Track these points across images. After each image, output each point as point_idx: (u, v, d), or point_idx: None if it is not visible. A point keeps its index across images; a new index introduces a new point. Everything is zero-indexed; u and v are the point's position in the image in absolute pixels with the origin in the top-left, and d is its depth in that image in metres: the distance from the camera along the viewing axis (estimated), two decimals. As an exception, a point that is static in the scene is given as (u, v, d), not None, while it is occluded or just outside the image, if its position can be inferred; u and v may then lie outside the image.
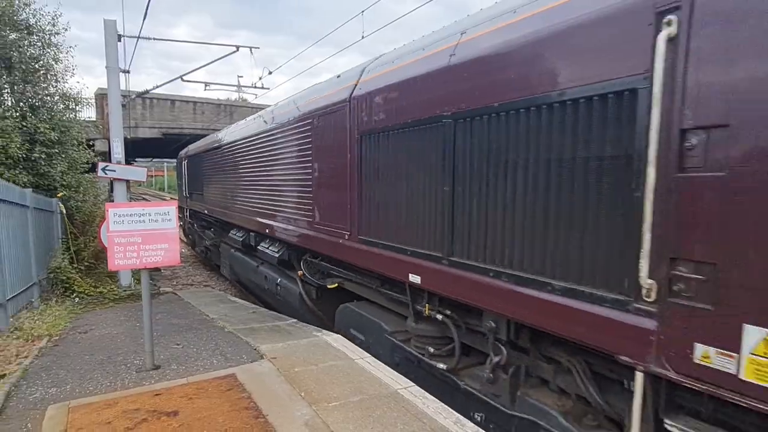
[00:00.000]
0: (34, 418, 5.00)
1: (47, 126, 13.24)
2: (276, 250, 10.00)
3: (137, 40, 12.91)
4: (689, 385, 3.03)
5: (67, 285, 11.88)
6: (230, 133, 13.48)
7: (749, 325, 2.77)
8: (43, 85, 13.89)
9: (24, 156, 12.58)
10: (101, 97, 24.32)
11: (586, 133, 3.59)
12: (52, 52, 14.15)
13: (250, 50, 14.77)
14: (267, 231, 10.05)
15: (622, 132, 3.35)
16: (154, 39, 14.00)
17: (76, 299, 11.37)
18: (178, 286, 14.54)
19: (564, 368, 4.33)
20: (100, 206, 15.19)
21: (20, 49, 13.23)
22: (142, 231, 6.17)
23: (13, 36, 13.19)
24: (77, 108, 15.27)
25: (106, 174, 12.47)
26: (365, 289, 7.23)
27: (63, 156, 13.95)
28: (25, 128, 12.80)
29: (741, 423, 3.03)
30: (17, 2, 13.35)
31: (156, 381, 5.88)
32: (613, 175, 3.43)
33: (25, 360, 6.76)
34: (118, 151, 12.66)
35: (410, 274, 5.50)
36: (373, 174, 6.22)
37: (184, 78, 15.42)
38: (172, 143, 29.27)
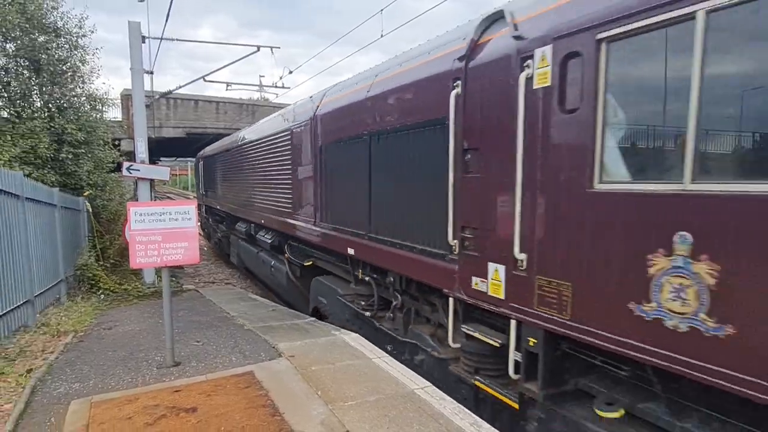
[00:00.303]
0: (57, 412, 5.11)
1: (74, 126, 13.54)
2: (269, 238, 11.89)
3: (160, 42, 13.12)
4: (470, 302, 5.04)
5: (93, 282, 12.15)
6: (235, 138, 15.47)
7: (490, 263, 4.73)
8: (70, 87, 14.20)
9: (52, 156, 12.90)
10: (126, 98, 24.80)
11: (427, 148, 5.54)
12: (79, 54, 14.48)
13: (271, 50, 14.89)
14: (262, 222, 12.22)
15: (440, 149, 5.24)
16: (177, 40, 14.21)
17: (102, 296, 11.61)
18: (200, 284, 14.74)
19: (436, 308, 6.13)
20: (125, 205, 15.49)
21: (48, 52, 13.56)
22: (162, 230, 6.26)
23: (41, 39, 13.52)
24: (103, 108, 15.59)
25: (130, 173, 12.70)
26: (328, 264, 9.14)
27: (89, 156, 14.26)
28: (53, 129, 13.12)
29: (496, 322, 5.00)
30: (45, 6, 13.67)
31: (176, 377, 5.96)
32: (438, 176, 5.31)
33: (51, 355, 6.92)
34: (141, 150, 12.88)
35: (348, 248, 7.49)
36: (328, 176, 8.19)
37: (206, 78, 15.63)
38: (195, 142, 29.68)
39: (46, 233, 9.93)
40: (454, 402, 5.10)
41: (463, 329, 5.23)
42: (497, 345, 4.77)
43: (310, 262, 9.66)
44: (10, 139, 11.95)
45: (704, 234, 2.95)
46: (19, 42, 13.15)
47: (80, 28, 14.46)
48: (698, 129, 2.98)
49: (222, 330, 8.07)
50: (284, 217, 10.26)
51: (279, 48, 14.95)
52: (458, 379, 5.43)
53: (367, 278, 7.46)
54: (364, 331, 7.42)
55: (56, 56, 13.81)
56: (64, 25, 14.16)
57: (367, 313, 7.37)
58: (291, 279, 10.49)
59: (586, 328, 3.69)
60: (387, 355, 6.45)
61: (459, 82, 4.96)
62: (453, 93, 4.97)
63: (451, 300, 5.33)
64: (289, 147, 9.76)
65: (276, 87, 17.78)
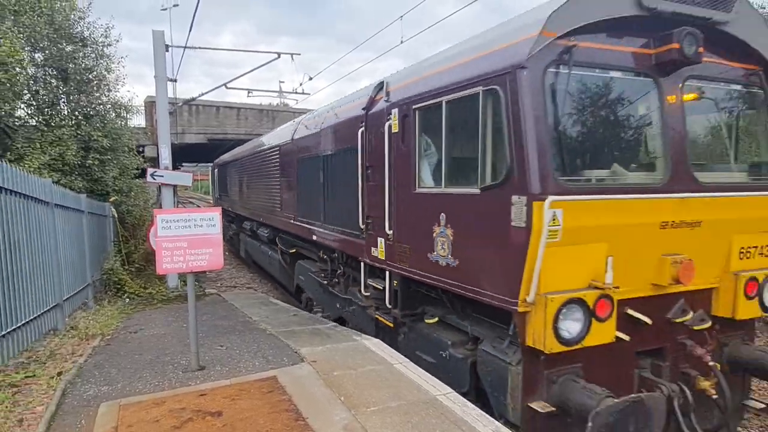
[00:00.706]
0: (87, 414, 5.24)
1: (100, 134, 13.84)
2: (266, 233, 14.42)
3: (184, 50, 13.36)
4: (370, 264, 7.47)
5: (119, 286, 12.40)
6: (242, 150, 18.02)
7: (378, 237, 7.08)
8: (96, 95, 14.52)
9: (79, 162, 13.20)
10: (150, 105, 25.24)
11: (350, 166, 7.90)
12: (105, 63, 14.80)
13: (291, 57, 15.06)
14: (261, 219, 14.66)
15: (355, 166, 7.59)
16: (200, 48, 14.45)
17: (127, 300, 11.84)
18: (222, 288, 14.92)
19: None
20: (149, 210, 15.75)
21: (75, 61, 13.90)
22: (188, 236, 6.38)
23: (69, 48, 13.86)
24: (128, 116, 15.89)
25: (154, 179, 12.94)
26: (304, 250, 11.56)
27: (115, 162, 14.55)
28: (79, 136, 13.43)
29: (384, 275, 7.20)
30: (73, 16, 14.02)
31: (201, 381, 6.06)
32: (355, 183, 7.63)
33: (80, 358, 7.08)
34: (165, 156, 13.11)
35: (312, 235, 9.90)
36: (301, 183, 10.66)
37: (228, 86, 15.85)
38: (216, 148, 29.98)
39: (74, 238, 10.17)
40: (477, 408, 5.11)
41: (368, 282, 7.77)
42: (381, 288, 7.30)
43: (294, 250, 12.28)
44: (39, 146, 12.27)
45: (449, 214, 5.48)
46: (47, 52, 13.51)
47: (106, 37, 14.80)
48: (447, 160, 5.54)
49: (245, 334, 8.17)
50: (275, 215, 12.89)
51: (299, 54, 15.12)
52: (370, 318, 7.89)
53: (325, 257, 9.94)
54: (324, 296, 10.08)
55: (83, 65, 14.14)
56: (90, 34, 14.50)
57: (325, 282, 9.87)
58: (282, 264, 13.10)
59: (415, 270, 6.22)
60: (408, 360, 6.48)
61: (363, 124, 7.43)
62: (360, 131, 7.51)
63: (362, 264, 7.85)
64: (278, 160, 12.39)
65: (296, 93, 17.95)
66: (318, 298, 10.52)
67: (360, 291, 8.10)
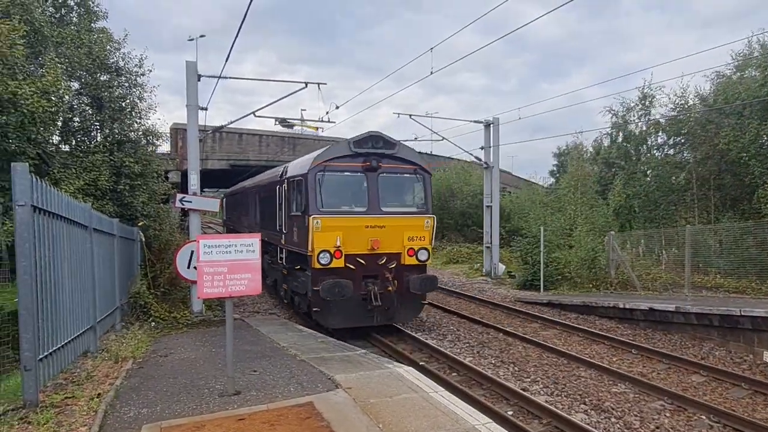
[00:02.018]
0: (130, 436, 5.30)
1: (132, 159, 14.20)
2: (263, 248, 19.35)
3: (218, 80, 13.76)
4: (282, 246, 14.13)
5: (145, 309, 12.54)
6: (239, 186, 24.86)
7: (282, 234, 14.29)
8: (128, 122, 14.95)
9: (110, 187, 13.52)
10: (175, 132, 25.83)
11: (274, 200, 14.54)
12: (138, 92, 15.28)
13: (318, 86, 15.40)
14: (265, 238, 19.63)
15: (277, 200, 14.37)
16: (232, 78, 14.87)
17: (153, 323, 11.97)
18: (246, 313, 15.01)
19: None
20: (174, 234, 16.01)
21: (110, 90, 14.37)
22: (228, 261, 6.52)
23: (104, 78, 14.35)
24: (158, 143, 16.31)
25: (183, 205, 13.19)
26: (271, 251, 16.34)
27: (144, 188, 14.87)
28: (112, 162, 13.80)
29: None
30: (109, 47, 14.56)
31: (238, 406, 6.11)
32: (276, 209, 14.58)
33: (116, 381, 7.18)
34: (194, 182, 13.40)
35: (280, 241, 14.03)
36: (255, 207, 18.58)
37: (257, 114, 16.20)
38: (238, 174, 30.39)
39: (107, 261, 10.37)
40: (517, 439, 5.14)
41: (280, 255, 13.80)
42: (283, 256, 13.65)
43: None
44: (74, 171, 12.61)
45: (295, 222, 12.95)
46: (83, 80, 14.00)
47: (139, 67, 15.32)
48: (294, 201, 12.77)
49: (275, 360, 8.22)
50: (252, 230, 18.18)
51: (326, 84, 15.41)
52: (281, 271, 14.34)
53: (271, 248, 15.52)
54: (275, 271, 15.83)
55: (116, 94, 14.61)
56: (125, 65, 15.02)
57: (271, 261, 15.87)
58: (267, 268, 17.34)
59: (290, 246, 12.97)
60: (443, 389, 6.48)
61: (279, 184, 13.53)
62: (278, 188, 13.68)
63: (278, 247, 13.30)
64: (257, 193, 18.33)
65: (322, 122, 18.29)
66: (273, 275, 16.81)
67: (280, 260, 14.49)
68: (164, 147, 24.95)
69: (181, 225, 19.83)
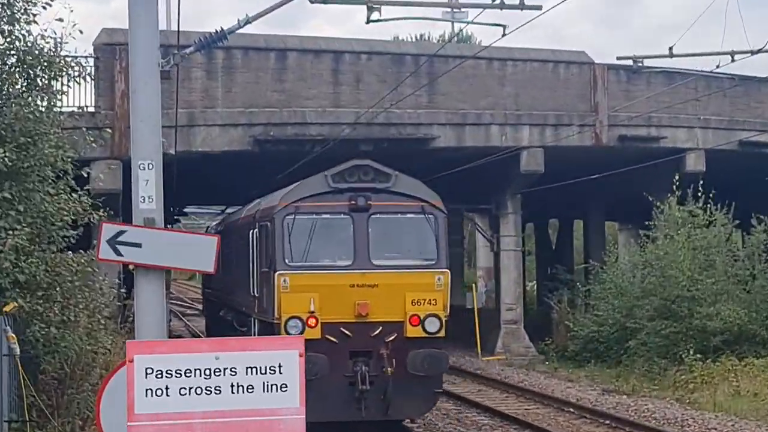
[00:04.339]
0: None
1: None
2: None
3: None
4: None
5: None
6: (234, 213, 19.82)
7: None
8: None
9: None
10: (109, 52, 10.02)
11: (248, 246, 11.38)
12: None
13: None
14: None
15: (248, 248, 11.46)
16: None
17: None
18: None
19: None
20: (100, 334, 8.17)
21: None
22: (213, 415, 2.46)
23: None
24: (60, 86, 8.40)
25: (117, 255, 6.61)
26: None
27: (19, 209, 5.84)
28: None
29: None
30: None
31: None
32: (246, 256, 11.44)
33: None
34: (150, 191, 7.58)
35: (253, 310, 11.25)
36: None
37: None
38: (275, 159, 17.14)
39: None
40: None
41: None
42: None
43: None
44: None
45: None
46: None
47: None
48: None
49: None
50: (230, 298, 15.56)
51: None
52: None
53: (255, 328, 11.18)
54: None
55: None
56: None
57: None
58: None
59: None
60: None
61: (252, 227, 11.08)
62: (250, 233, 11.07)
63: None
64: (234, 235, 13.58)
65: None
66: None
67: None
68: (78, 98, 10.98)
69: (123, 310, 10.31)
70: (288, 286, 8.93)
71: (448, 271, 9.65)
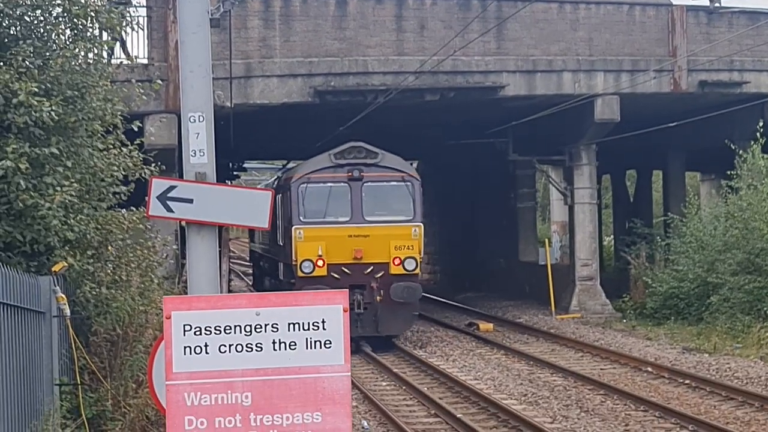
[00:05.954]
0: None
1: (35, 84, 5.19)
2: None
3: None
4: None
5: None
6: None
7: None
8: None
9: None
10: (164, 11, 11.90)
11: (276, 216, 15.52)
12: None
13: None
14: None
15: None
16: None
17: None
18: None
19: None
20: (154, 295, 7.54)
21: None
22: (254, 375, 2.33)
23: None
24: (109, 40, 8.01)
25: (168, 212, 6.68)
26: None
27: (67, 165, 5.29)
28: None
29: None
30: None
31: None
32: (275, 216, 14.53)
33: None
34: (202, 145, 7.91)
35: (281, 257, 14.83)
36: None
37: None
38: (338, 110, 17.63)
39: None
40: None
41: None
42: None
43: None
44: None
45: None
46: None
47: None
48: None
49: None
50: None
51: None
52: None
53: (283, 269, 14.85)
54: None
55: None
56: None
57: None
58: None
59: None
60: None
61: (279, 191, 13.50)
62: (279, 196, 13.37)
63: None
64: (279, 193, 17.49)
65: None
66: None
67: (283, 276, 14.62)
68: (131, 49, 11.43)
69: (177, 267, 10.94)
70: (302, 236, 12.26)
71: (421, 224, 13.01)
